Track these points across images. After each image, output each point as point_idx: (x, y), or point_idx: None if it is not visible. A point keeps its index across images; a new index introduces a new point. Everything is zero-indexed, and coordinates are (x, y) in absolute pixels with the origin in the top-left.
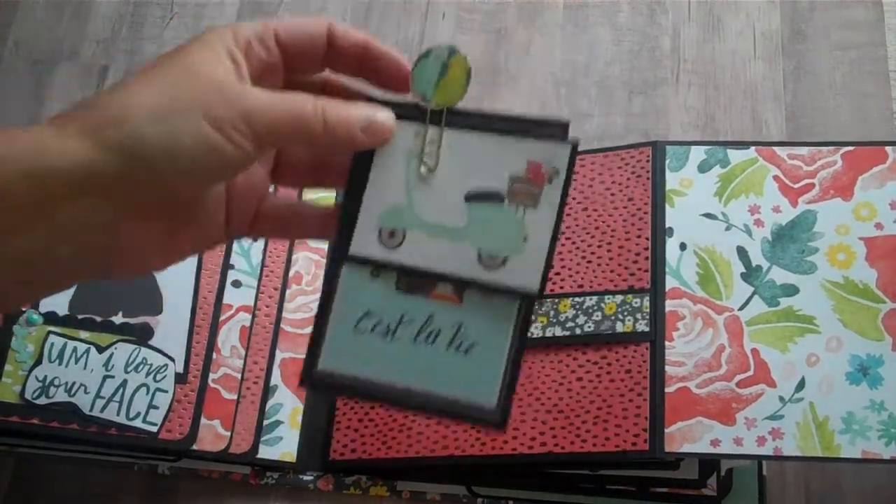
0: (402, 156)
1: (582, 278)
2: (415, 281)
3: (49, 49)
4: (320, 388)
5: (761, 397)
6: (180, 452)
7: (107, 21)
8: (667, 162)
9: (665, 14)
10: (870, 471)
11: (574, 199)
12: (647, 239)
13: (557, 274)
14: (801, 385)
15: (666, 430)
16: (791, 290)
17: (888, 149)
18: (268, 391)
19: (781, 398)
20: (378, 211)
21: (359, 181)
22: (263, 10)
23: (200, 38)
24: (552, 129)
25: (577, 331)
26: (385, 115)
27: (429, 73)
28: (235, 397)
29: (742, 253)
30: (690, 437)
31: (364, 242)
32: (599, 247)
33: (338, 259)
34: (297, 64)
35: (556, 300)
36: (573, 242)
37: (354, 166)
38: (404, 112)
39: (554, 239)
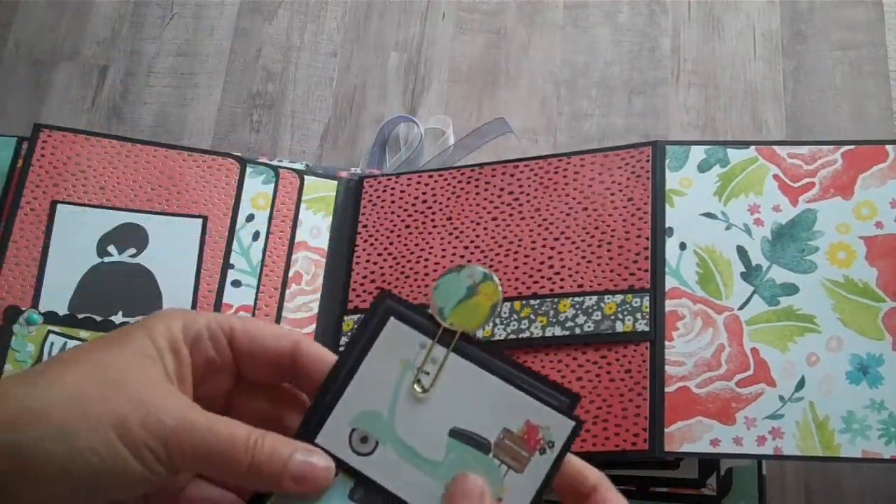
0: (398, 363)
1: (582, 278)
2: (371, 498)
3: (49, 49)
4: None
5: (761, 397)
6: None
7: (107, 21)
8: (667, 162)
9: (665, 14)
10: (870, 470)
11: (574, 199)
12: (647, 239)
13: (557, 274)
14: (801, 384)
15: (666, 430)
16: (791, 290)
17: (888, 147)
18: None
19: (781, 397)
20: (356, 410)
21: (346, 372)
22: (263, 10)
23: (147, 327)
24: (561, 400)
25: (577, 330)
26: (323, 466)
27: (454, 290)
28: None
29: (742, 252)
30: (690, 436)
31: (333, 437)
32: (599, 247)
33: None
34: (251, 373)
35: (556, 300)
36: (573, 242)
37: (346, 354)
38: (416, 318)
39: None
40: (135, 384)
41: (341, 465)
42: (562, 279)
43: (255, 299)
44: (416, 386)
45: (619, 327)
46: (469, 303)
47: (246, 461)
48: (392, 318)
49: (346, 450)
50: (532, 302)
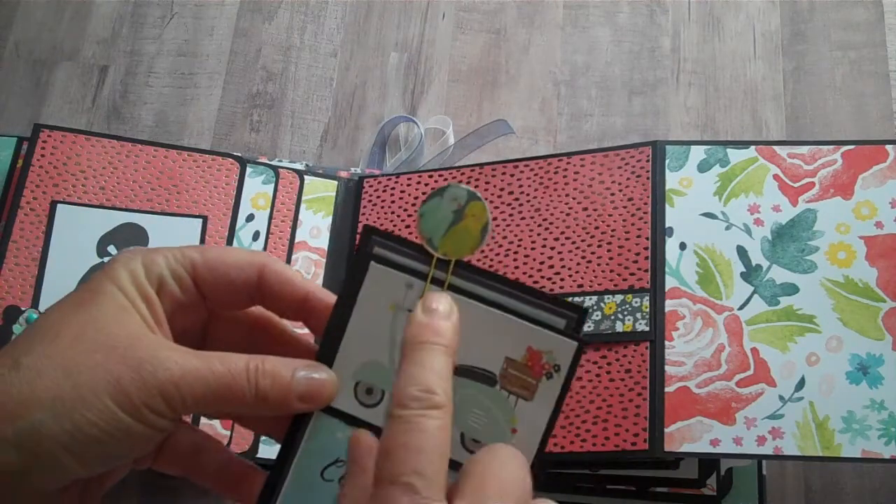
0: (388, 309)
1: (582, 278)
2: None
3: (49, 49)
4: None
5: (761, 397)
6: None
7: (107, 21)
8: (667, 162)
9: (665, 14)
10: (870, 470)
11: (574, 198)
12: (647, 239)
13: (557, 274)
14: (801, 384)
15: (666, 430)
16: (791, 290)
17: (888, 147)
18: None
19: (781, 397)
20: (356, 362)
21: (338, 326)
22: (263, 10)
23: (110, 276)
24: (567, 316)
25: None
26: (325, 378)
27: (440, 216)
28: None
29: (742, 252)
30: (690, 436)
31: (339, 394)
32: (599, 247)
33: None
34: (220, 303)
35: None
36: (573, 242)
37: (337, 308)
38: (404, 254)
39: (545, 438)
40: (120, 340)
41: (352, 421)
42: (562, 279)
43: None
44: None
45: (619, 327)
46: (458, 227)
47: (251, 391)
48: (373, 264)
49: (353, 403)
50: None
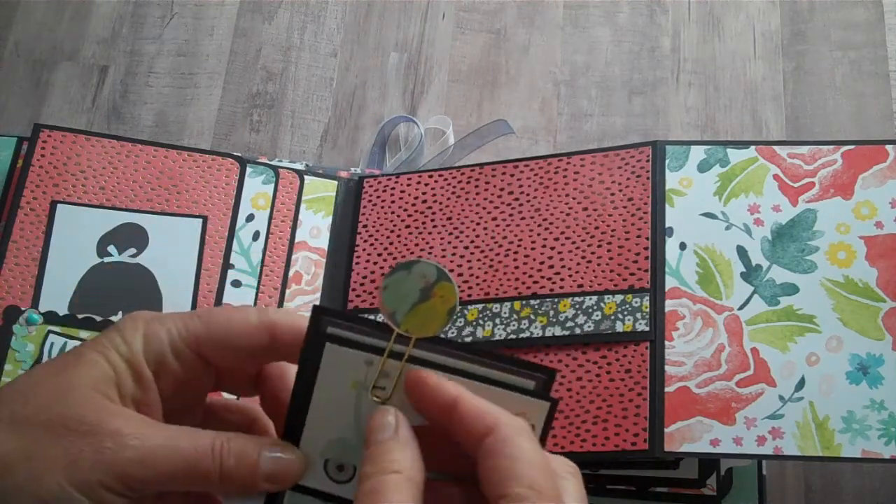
0: (350, 387)
1: (582, 278)
2: None
3: (49, 49)
4: None
5: (761, 397)
6: None
7: (107, 21)
8: (667, 162)
9: (665, 14)
10: (870, 470)
11: (574, 198)
12: (647, 239)
13: (557, 274)
14: (801, 384)
15: (666, 430)
16: (791, 290)
17: (888, 147)
18: None
19: (781, 397)
20: (323, 440)
21: (300, 406)
22: (263, 10)
23: (102, 345)
24: (534, 379)
25: (577, 330)
26: (292, 458)
27: (405, 291)
28: (235, 396)
29: (742, 252)
30: (690, 436)
31: (309, 472)
32: (599, 247)
33: None
34: (227, 369)
35: (556, 300)
36: (573, 242)
37: (297, 387)
38: (359, 332)
39: None
40: (86, 415)
41: (327, 497)
42: (562, 279)
43: (255, 299)
44: (373, 397)
45: (619, 327)
46: (424, 306)
47: (216, 471)
48: (328, 345)
49: (325, 480)
50: (532, 302)
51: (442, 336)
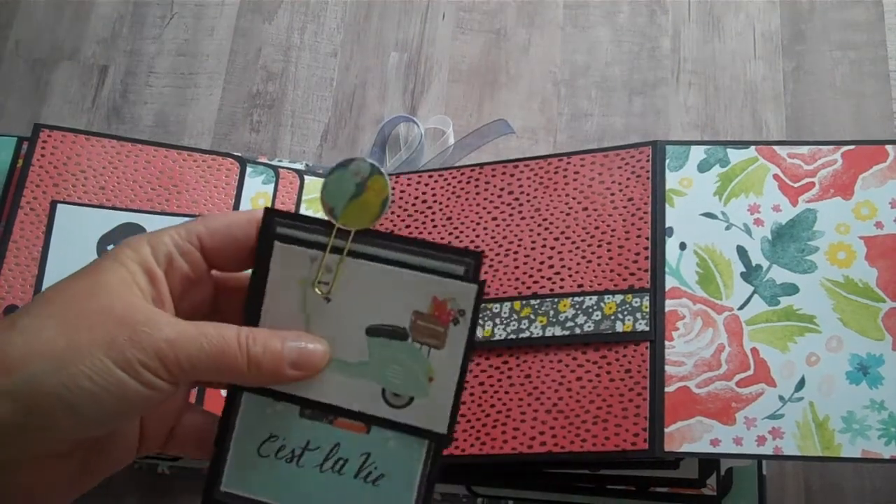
0: (297, 285)
1: (582, 278)
2: (320, 413)
3: (49, 49)
4: None
5: (761, 397)
6: None
7: (107, 21)
8: (667, 162)
9: (665, 14)
10: (870, 470)
11: (574, 198)
12: (647, 239)
13: (557, 274)
14: (801, 384)
15: (666, 430)
16: (791, 290)
17: (888, 147)
18: None
19: (781, 397)
20: None
21: (254, 307)
22: (263, 10)
23: (114, 255)
24: (462, 265)
25: (577, 330)
26: (316, 347)
27: (342, 188)
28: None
29: (742, 252)
30: (690, 436)
31: None
32: (599, 247)
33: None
34: (228, 266)
35: (556, 300)
36: (573, 242)
37: (250, 290)
38: (304, 229)
39: (461, 381)
40: (117, 306)
41: (285, 398)
42: (562, 279)
43: None
44: (317, 289)
45: (619, 327)
46: (359, 200)
47: (244, 359)
48: (277, 243)
49: None
50: (532, 302)
51: (378, 229)
